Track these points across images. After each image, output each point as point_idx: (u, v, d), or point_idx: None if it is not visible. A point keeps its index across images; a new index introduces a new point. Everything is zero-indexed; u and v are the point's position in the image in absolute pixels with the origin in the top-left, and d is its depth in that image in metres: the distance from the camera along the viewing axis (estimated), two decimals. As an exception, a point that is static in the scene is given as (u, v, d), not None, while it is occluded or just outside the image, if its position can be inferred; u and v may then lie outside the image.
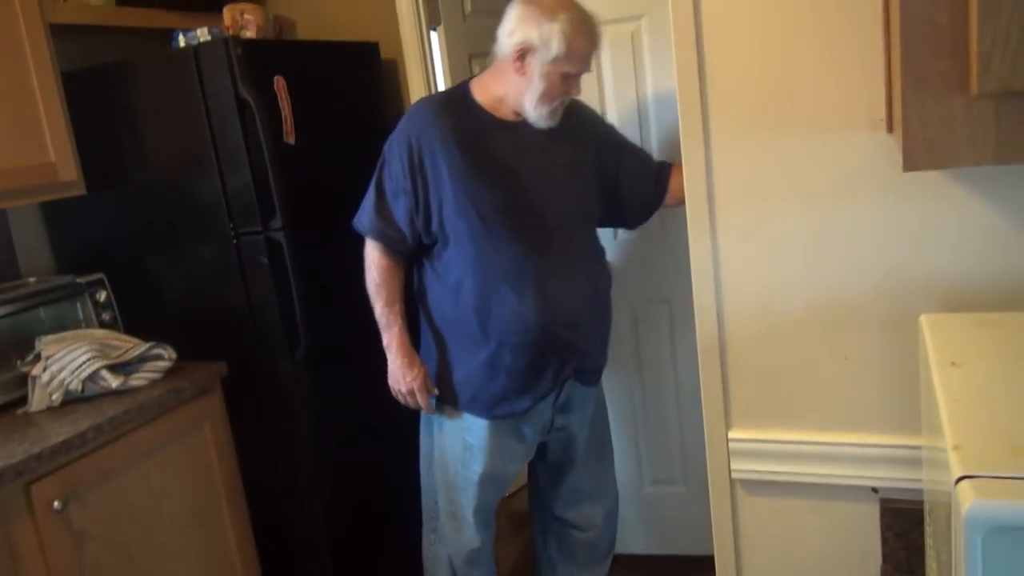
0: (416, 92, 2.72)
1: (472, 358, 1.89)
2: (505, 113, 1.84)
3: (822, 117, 1.24)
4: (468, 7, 2.87)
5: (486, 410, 1.91)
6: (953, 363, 0.91)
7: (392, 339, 1.95)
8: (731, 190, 1.31)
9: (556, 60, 1.72)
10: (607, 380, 2.24)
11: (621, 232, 2.06)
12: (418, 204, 1.83)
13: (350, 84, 2.55)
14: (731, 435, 1.48)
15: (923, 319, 1.07)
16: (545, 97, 1.76)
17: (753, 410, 1.44)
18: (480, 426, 1.93)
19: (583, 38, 1.73)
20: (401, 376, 1.95)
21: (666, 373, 2.49)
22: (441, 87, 2.76)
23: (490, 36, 2.95)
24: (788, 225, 1.30)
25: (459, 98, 1.87)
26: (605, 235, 2.17)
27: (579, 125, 1.93)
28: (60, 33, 2.11)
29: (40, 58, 2.00)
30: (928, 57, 0.71)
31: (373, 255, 1.93)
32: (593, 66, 1.83)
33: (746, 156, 1.29)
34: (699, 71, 1.25)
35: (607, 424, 2.25)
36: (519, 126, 1.84)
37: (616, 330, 2.17)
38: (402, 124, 1.88)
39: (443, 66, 2.77)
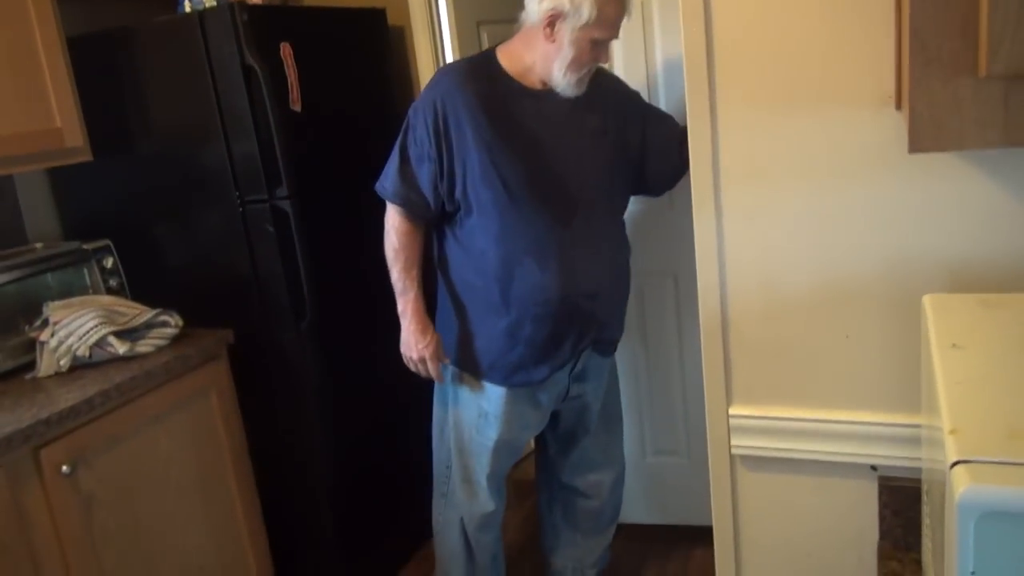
0: (423, 59, 2.69)
1: (492, 327, 1.90)
2: (532, 81, 1.83)
3: (829, 93, 1.22)
4: (478, -27, 2.83)
5: (504, 378, 1.93)
6: (954, 345, 0.90)
7: (407, 305, 1.94)
8: (736, 168, 1.29)
9: (587, 26, 1.70)
10: (614, 351, 2.25)
11: (630, 204, 2.04)
12: (443, 170, 1.81)
13: (357, 51, 2.53)
14: (732, 411, 1.48)
15: (926, 299, 1.06)
16: (575, 64, 1.75)
17: (754, 387, 1.44)
18: (498, 394, 1.94)
19: (613, 3, 1.70)
20: (413, 343, 1.94)
21: (671, 346, 2.50)
22: (448, 54, 2.74)
23: (498, 3, 2.93)
24: (793, 204, 1.29)
25: (485, 65, 1.85)
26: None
27: (604, 93, 1.91)
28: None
29: (45, 23, 1.99)
30: (938, 36, 0.69)
31: (394, 219, 1.91)
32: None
33: (752, 133, 1.27)
34: (707, 46, 1.22)
35: (618, 395, 2.27)
36: (546, 95, 1.82)
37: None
38: (426, 90, 1.86)
39: (450, 33, 2.74)
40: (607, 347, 2.06)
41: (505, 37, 2.91)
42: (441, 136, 1.79)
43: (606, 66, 1.91)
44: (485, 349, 1.92)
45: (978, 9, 0.67)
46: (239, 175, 2.18)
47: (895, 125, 1.20)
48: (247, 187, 2.18)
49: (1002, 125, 0.71)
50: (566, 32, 1.71)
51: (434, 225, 1.95)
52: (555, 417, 2.13)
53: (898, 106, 1.13)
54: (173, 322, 2.10)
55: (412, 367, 1.99)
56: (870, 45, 1.17)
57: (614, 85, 2.02)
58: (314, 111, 2.26)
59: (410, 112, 1.86)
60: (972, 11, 0.68)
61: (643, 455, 2.64)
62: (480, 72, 1.83)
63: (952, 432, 0.75)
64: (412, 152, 1.85)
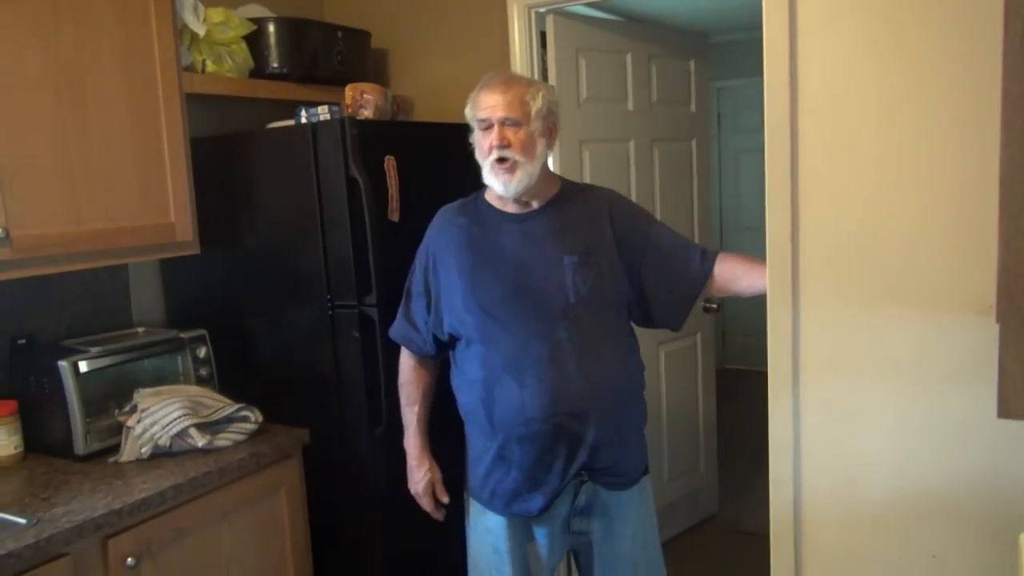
0: (524, 174, 2.74)
1: (487, 452, 1.89)
2: (511, 207, 1.88)
3: (923, 294, 1.15)
4: (584, 93, 2.88)
5: (504, 507, 1.88)
6: None
7: (407, 439, 2.04)
8: (817, 361, 1.22)
9: (473, 120, 1.83)
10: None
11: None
12: (430, 304, 1.93)
13: (459, 165, 2.58)
14: None
15: (1023, 539, 0.95)
16: (482, 159, 1.82)
17: None
18: (500, 525, 1.90)
19: (481, 89, 1.82)
20: (409, 478, 2.04)
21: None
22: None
23: (605, 123, 2.98)
24: (877, 405, 1.20)
25: (473, 201, 1.96)
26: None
27: (601, 212, 1.90)
28: (194, 101, 2.26)
29: (173, 126, 2.14)
30: (1032, 298, 0.64)
31: (402, 357, 2.04)
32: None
33: (836, 326, 1.21)
34: (792, 231, 1.18)
35: (654, 551, 2.01)
36: (528, 216, 1.87)
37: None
38: (427, 233, 2.00)
39: (554, 151, 2.77)
40: (611, 479, 1.88)
41: (607, 156, 2.94)
42: (429, 272, 1.93)
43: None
44: (486, 475, 1.90)
45: None
46: (332, 279, 2.24)
47: (993, 337, 1.12)
48: (338, 291, 2.23)
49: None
50: (474, 127, 1.84)
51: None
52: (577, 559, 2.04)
53: (997, 319, 1.05)
54: (254, 417, 2.15)
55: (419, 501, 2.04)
56: (971, 248, 1.11)
57: (617, 204, 1.97)
58: (411, 221, 2.30)
59: (417, 253, 2.00)
60: None
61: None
62: (468, 207, 1.95)
63: None
64: (412, 290, 1.98)
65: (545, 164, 1.88)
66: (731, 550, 3.30)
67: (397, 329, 2.02)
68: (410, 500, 2.33)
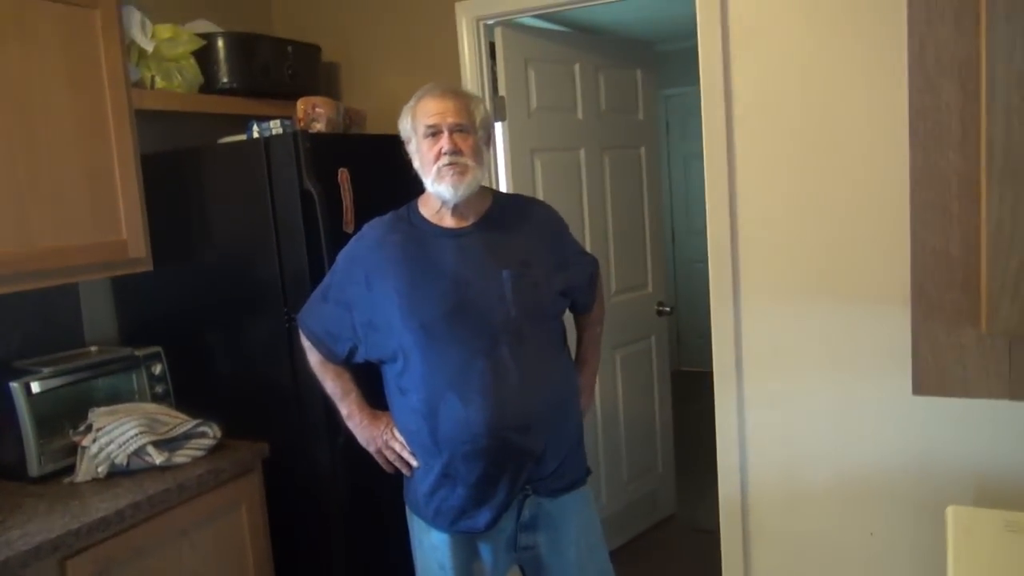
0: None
1: (431, 471, 1.86)
2: (448, 221, 1.87)
3: (853, 288, 1.22)
4: (534, 103, 2.93)
5: (450, 524, 1.86)
6: None
7: (350, 406, 1.97)
8: (759, 354, 1.28)
9: (415, 129, 1.82)
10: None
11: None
12: (353, 322, 1.88)
13: (413, 176, 2.61)
14: None
15: (950, 512, 1.01)
16: (428, 167, 1.81)
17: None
18: (445, 543, 1.88)
19: (424, 97, 1.82)
20: (371, 436, 1.94)
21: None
22: (503, 181, 2.82)
23: (555, 132, 3.03)
24: (816, 394, 1.27)
25: (405, 214, 1.92)
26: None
27: (532, 224, 1.94)
28: (144, 117, 2.25)
29: (123, 142, 2.13)
30: (939, 287, 0.69)
31: (314, 360, 1.99)
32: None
33: (776, 320, 1.27)
34: (731, 233, 1.24)
35: (600, 558, 2.02)
36: (465, 231, 1.86)
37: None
38: (353, 243, 1.95)
39: (505, 160, 2.83)
40: (555, 484, 1.90)
41: (558, 164, 2.98)
42: (360, 287, 1.87)
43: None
44: (430, 494, 1.87)
45: (978, 267, 0.67)
46: (288, 291, 2.25)
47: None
48: (295, 303, 2.23)
49: (1008, 378, 0.69)
50: (414, 150, 1.84)
51: (381, 375, 1.95)
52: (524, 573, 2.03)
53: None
54: (212, 433, 2.14)
55: (383, 464, 1.96)
56: (894, 244, 1.18)
57: (544, 216, 2.02)
58: (366, 233, 2.33)
59: (339, 257, 1.95)
60: (974, 265, 0.68)
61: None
62: (401, 222, 1.91)
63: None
64: (331, 295, 1.93)
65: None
66: (690, 548, 3.36)
67: (312, 326, 1.96)
68: (372, 512, 2.34)
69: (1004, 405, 1.14)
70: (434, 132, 1.79)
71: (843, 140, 1.25)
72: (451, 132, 1.79)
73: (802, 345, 1.27)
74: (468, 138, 1.80)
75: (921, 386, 0.71)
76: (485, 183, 2.66)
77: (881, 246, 1.22)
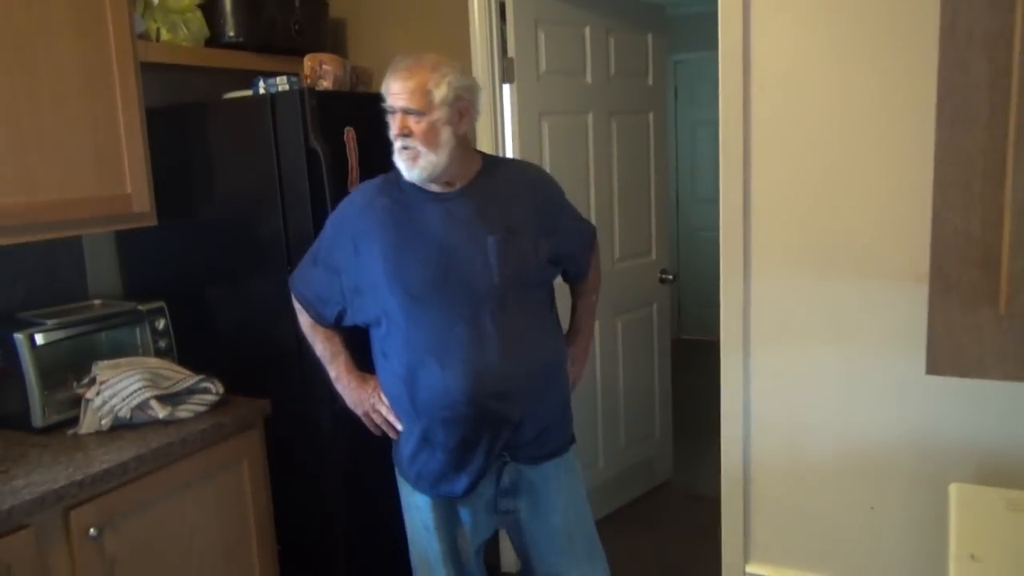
0: (485, 146, 2.75)
1: (411, 435, 1.89)
2: (435, 186, 1.85)
3: (866, 263, 1.21)
4: (543, 66, 2.90)
5: (430, 487, 1.90)
6: (973, 556, 0.86)
7: (338, 369, 1.99)
8: (767, 327, 1.28)
9: (385, 106, 1.79)
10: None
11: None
12: (342, 286, 1.90)
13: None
14: (749, 569, 1.43)
15: (952, 489, 1.01)
16: (393, 143, 1.79)
17: (773, 547, 1.40)
18: (427, 505, 1.92)
19: (389, 73, 1.79)
20: (358, 399, 1.97)
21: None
22: (510, 144, 2.79)
23: (564, 96, 3.00)
24: (821, 368, 1.27)
25: (394, 178, 1.89)
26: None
27: (519, 190, 1.92)
28: (149, 70, 2.22)
29: (128, 95, 2.10)
30: (958, 265, 0.68)
31: (305, 323, 2.01)
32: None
33: (785, 293, 1.27)
34: (744, 204, 1.23)
35: (585, 521, 2.04)
36: (452, 196, 1.85)
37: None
38: (342, 206, 1.95)
39: (513, 123, 2.80)
40: (533, 456, 1.91)
41: (566, 128, 2.96)
42: (348, 252, 1.87)
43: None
44: (412, 458, 1.91)
45: (1000, 243, 0.66)
46: (292, 249, 2.24)
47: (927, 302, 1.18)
48: (299, 261, 2.22)
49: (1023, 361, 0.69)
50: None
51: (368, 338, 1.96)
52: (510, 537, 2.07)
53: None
54: (215, 389, 2.15)
55: (371, 427, 1.99)
56: (907, 222, 1.17)
57: (535, 180, 2.01)
58: (371, 193, 2.31)
59: (328, 222, 1.95)
60: (994, 244, 0.67)
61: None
62: (390, 186, 1.89)
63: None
64: (320, 258, 1.95)
65: (463, 144, 1.84)
66: (686, 513, 3.40)
67: (302, 290, 1.98)
68: (371, 469, 2.36)
69: (1011, 384, 1.14)
70: (391, 111, 1.78)
71: (864, 115, 1.24)
72: (403, 115, 1.76)
73: (810, 318, 1.27)
74: (421, 121, 1.75)
75: (935, 365, 0.70)
76: (488, 146, 2.69)
77: (895, 224, 1.21)
